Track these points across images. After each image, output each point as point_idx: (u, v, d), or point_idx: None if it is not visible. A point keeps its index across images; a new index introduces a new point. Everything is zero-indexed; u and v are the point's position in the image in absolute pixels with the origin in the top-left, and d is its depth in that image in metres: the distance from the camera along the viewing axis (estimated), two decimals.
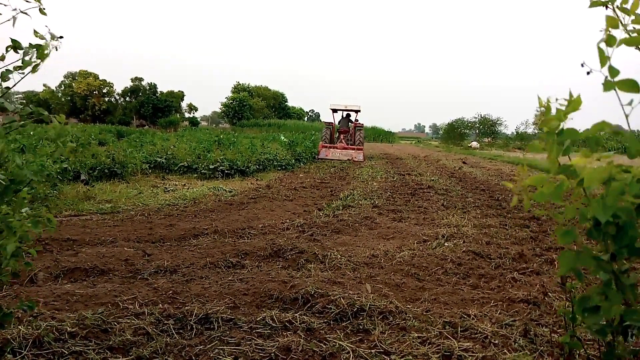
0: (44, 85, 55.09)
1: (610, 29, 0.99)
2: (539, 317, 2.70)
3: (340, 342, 2.33)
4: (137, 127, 45.72)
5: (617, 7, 1.01)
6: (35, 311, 2.44)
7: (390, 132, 62.41)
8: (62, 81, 55.64)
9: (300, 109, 78.20)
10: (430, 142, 57.65)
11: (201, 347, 2.26)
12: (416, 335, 2.41)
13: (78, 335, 2.28)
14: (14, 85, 1.62)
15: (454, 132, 40.86)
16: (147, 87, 57.62)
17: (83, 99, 53.59)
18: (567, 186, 0.99)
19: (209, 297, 2.89)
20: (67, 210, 5.83)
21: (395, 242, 4.50)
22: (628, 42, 1.00)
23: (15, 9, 1.60)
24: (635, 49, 1.01)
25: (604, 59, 0.98)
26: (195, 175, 10.13)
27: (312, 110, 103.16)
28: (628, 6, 1.01)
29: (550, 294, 3.09)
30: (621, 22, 1.01)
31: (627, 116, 0.98)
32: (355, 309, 2.68)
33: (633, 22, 1.01)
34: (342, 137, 18.12)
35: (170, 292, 2.95)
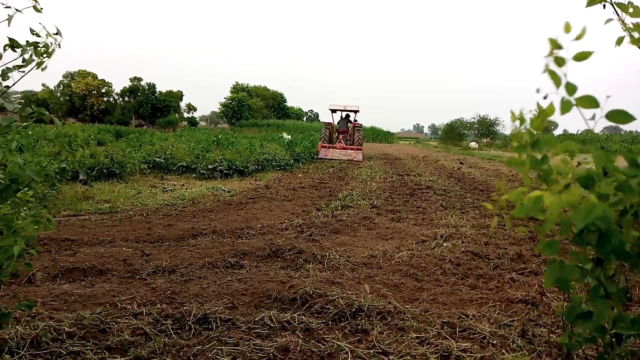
0: (43, 84, 55.03)
1: (554, 50, 0.98)
2: (537, 318, 2.71)
3: (338, 343, 2.33)
4: (135, 127, 45.71)
5: (615, 3, 1.01)
6: (33, 311, 2.44)
7: (389, 132, 62.43)
8: (60, 81, 55.55)
9: (299, 109, 78.23)
10: (429, 143, 57.70)
11: (199, 347, 2.26)
12: (414, 335, 2.42)
13: (76, 336, 2.27)
14: (14, 84, 1.62)
15: (453, 133, 40.92)
16: (146, 87, 57.54)
17: (82, 99, 53.49)
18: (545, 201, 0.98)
19: (207, 297, 2.88)
20: (66, 210, 5.83)
21: (394, 243, 4.50)
22: (578, 57, 0.98)
23: (9, 7, 1.59)
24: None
25: (557, 79, 0.97)
26: (194, 175, 10.12)
27: (311, 111, 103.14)
28: (625, 1, 1.00)
29: (548, 294, 3.09)
30: (621, 20, 1.01)
31: (592, 129, 0.97)
32: (354, 309, 2.68)
33: (632, 15, 1.00)
34: (341, 138, 18.16)
35: (169, 292, 2.95)
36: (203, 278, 3.29)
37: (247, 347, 2.26)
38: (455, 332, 2.47)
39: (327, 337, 2.39)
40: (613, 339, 1.09)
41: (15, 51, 1.61)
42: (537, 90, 0.99)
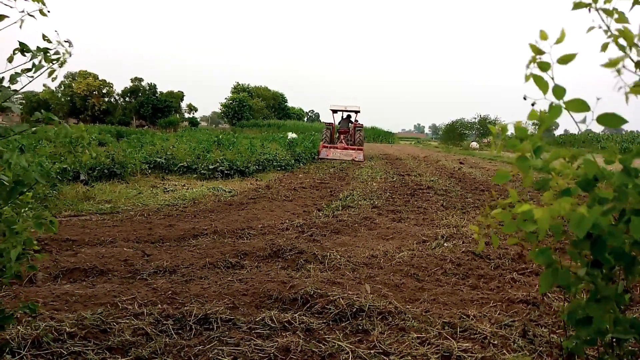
0: (44, 85, 54.96)
1: (537, 55, 0.96)
2: (538, 318, 2.70)
3: (339, 343, 2.33)
4: (136, 128, 45.71)
5: (600, 8, 1.00)
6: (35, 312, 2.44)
7: (390, 132, 62.39)
8: (61, 81, 55.55)
9: (300, 109, 78.18)
10: (429, 143, 57.66)
11: (200, 347, 2.26)
12: (415, 335, 2.41)
13: (77, 336, 2.28)
14: (22, 88, 1.63)
15: (454, 133, 40.84)
16: (147, 88, 57.56)
17: (83, 99, 53.51)
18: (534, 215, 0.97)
19: (208, 297, 2.88)
20: (67, 211, 5.83)
21: (395, 243, 4.50)
22: (562, 60, 0.96)
23: (12, 7, 1.60)
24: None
25: (544, 85, 0.94)
26: (195, 175, 10.13)
27: (312, 111, 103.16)
28: (610, 7, 0.99)
29: (549, 294, 3.09)
30: (605, 24, 0.99)
31: (584, 132, 0.96)
32: (355, 309, 2.68)
33: (617, 20, 0.99)
34: (342, 138, 18.18)
35: (170, 292, 2.95)
36: (204, 278, 3.29)
37: (248, 348, 2.26)
38: (456, 332, 2.47)
39: (328, 338, 2.39)
40: (613, 340, 1.09)
41: (24, 55, 1.61)
42: (525, 98, 0.96)
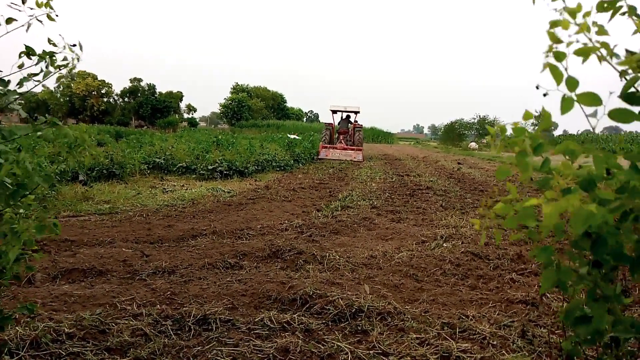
0: (43, 85, 54.99)
1: (554, 44, 0.94)
2: (537, 318, 2.70)
3: (338, 343, 2.33)
4: (135, 128, 45.70)
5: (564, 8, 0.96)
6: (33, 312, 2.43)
7: (389, 132, 62.40)
8: (60, 81, 55.50)
9: (299, 109, 78.21)
10: (429, 143, 57.68)
11: (199, 348, 2.26)
12: (415, 336, 2.41)
13: (76, 336, 2.27)
14: (27, 91, 1.63)
15: (453, 133, 40.89)
16: (146, 88, 57.55)
17: (82, 100, 53.47)
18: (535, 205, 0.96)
19: (207, 298, 2.88)
20: (66, 211, 5.82)
21: (394, 243, 4.50)
22: (580, 52, 0.93)
23: (20, 10, 1.60)
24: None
25: (559, 75, 0.92)
26: (194, 176, 10.12)
27: (311, 111, 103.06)
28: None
29: (548, 294, 3.09)
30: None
31: (593, 129, 0.94)
32: (354, 309, 2.68)
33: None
34: (341, 138, 18.21)
35: (169, 293, 2.95)
36: (203, 279, 3.29)
37: (247, 348, 2.26)
38: (455, 333, 2.47)
39: (327, 338, 2.39)
40: (612, 341, 1.09)
41: (30, 59, 1.62)
42: (537, 87, 0.95)
